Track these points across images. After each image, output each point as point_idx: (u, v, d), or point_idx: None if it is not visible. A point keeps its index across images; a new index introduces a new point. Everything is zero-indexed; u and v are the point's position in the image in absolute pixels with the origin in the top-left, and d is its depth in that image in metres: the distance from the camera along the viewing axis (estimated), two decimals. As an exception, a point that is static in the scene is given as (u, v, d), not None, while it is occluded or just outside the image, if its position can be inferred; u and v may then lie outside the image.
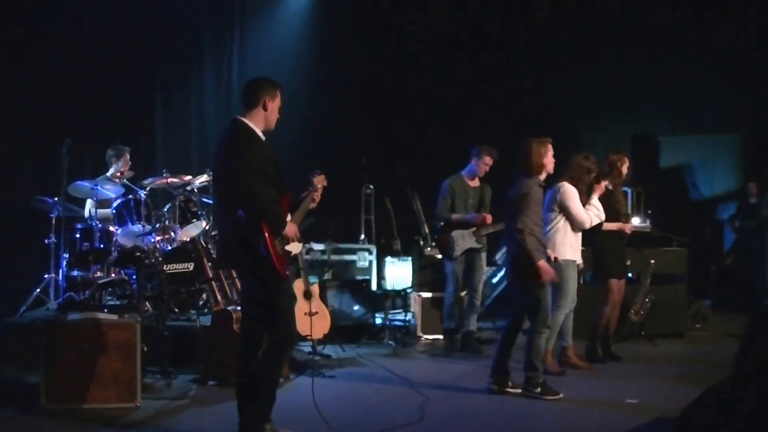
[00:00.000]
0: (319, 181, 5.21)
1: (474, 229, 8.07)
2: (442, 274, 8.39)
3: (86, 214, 8.21)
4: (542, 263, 6.03)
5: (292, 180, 4.94)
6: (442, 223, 8.22)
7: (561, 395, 6.05)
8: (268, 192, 4.62)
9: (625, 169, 7.54)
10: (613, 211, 7.40)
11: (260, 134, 4.80)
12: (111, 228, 7.83)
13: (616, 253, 7.52)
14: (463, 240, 8.05)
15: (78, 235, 7.79)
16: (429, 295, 8.84)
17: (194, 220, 8.05)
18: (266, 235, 4.57)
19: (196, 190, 8.27)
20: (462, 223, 8.08)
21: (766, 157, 11.41)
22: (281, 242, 4.70)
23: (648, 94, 11.47)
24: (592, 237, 7.32)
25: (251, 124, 4.78)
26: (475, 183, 8.26)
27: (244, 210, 4.57)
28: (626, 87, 11.56)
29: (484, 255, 8.22)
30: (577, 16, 11.73)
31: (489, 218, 8.04)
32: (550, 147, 6.28)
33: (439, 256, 8.56)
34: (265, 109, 4.80)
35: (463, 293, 8.28)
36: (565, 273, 6.86)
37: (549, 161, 6.27)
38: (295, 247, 4.92)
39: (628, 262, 8.13)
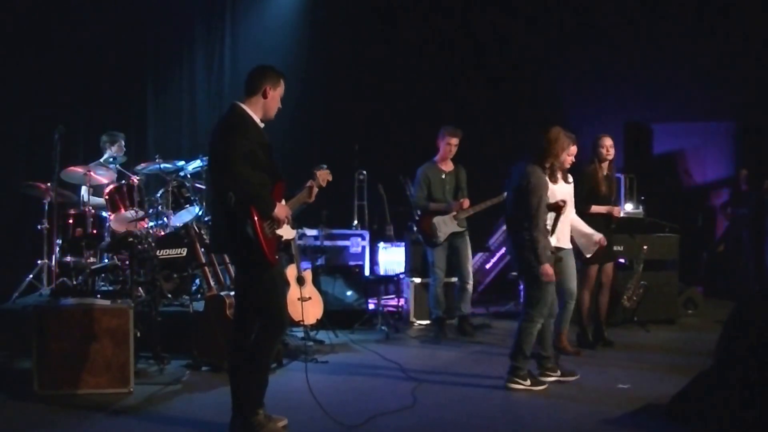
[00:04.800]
0: (323, 176, 5.04)
1: (454, 213, 8.05)
2: (426, 262, 8.39)
3: (80, 199, 8.20)
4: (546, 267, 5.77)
5: (284, 167, 4.90)
6: (419, 212, 8.17)
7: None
8: (256, 176, 4.59)
9: (604, 150, 7.35)
10: (594, 194, 7.32)
11: (257, 121, 4.76)
12: (104, 213, 7.83)
13: None
14: (445, 225, 8.03)
15: (71, 221, 7.78)
16: (422, 280, 8.86)
17: (187, 205, 8.05)
18: (255, 217, 4.54)
19: (188, 176, 8.26)
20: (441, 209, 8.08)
21: (759, 145, 11.44)
22: (270, 225, 4.66)
23: (641, 81, 11.46)
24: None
25: (249, 110, 4.75)
26: (449, 167, 8.23)
27: (232, 192, 4.53)
28: (619, 74, 11.55)
29: (467, 237, 8.19)
30: (569, 4, 11.71)
31: (466, 203, 8.02)
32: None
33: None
34: (265, 97, 4.77)
35: (453, 279, 8.28)
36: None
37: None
38: (287, 233, 4.90)
39: (621, 248, 8.14)
